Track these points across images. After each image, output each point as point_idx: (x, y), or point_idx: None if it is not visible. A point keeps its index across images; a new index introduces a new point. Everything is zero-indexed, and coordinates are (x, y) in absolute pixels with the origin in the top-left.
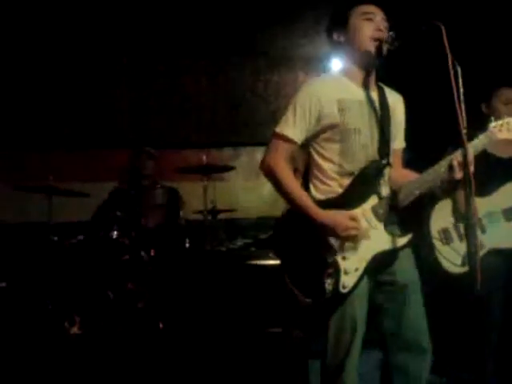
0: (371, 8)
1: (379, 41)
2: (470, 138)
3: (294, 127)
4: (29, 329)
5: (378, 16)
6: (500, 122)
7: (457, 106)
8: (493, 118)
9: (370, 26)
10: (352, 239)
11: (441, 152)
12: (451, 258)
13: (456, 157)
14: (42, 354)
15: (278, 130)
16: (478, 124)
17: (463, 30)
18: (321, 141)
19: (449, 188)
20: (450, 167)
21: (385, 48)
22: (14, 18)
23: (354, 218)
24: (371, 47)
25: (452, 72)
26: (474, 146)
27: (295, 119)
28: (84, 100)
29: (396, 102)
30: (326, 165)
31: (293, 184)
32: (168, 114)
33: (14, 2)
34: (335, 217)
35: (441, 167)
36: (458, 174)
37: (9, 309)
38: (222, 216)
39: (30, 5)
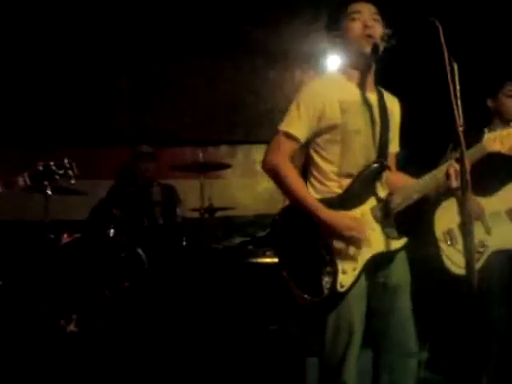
0: (357, 6)
1: (370, 37)
2: (472, 136)
3: (298, 125)
4: (25, 327)
5: (366, 12)
6: (494, 134)
7: (453, 103)
8: (486, 130)
9: (358, 25)
10: (354, 241)
11: (437, 151)
12: (455, 259)
13: (452, 165)
14: (39, 352)
15: (281, 127)
16: (486, 120)
17: (470, 26)
18: (321, 141)
19: (444, 193)
20: (447, 175)
21: (381, 46)
22: (14, 15)
23: (357, 221)
24: (365, 46)
25: (448, 69)
26: (468, 156)
27: (299, 117)
28: (82, 98)
29: (393, 105)
30: (325, 166)
31: (297, 182)
32: (165, 112)
33: (14, 2)
34: (340, 217)
35: (439, 172)
36: (454, 183)
37: (5, 307)
38: (218, 214)
39: (31, 5)
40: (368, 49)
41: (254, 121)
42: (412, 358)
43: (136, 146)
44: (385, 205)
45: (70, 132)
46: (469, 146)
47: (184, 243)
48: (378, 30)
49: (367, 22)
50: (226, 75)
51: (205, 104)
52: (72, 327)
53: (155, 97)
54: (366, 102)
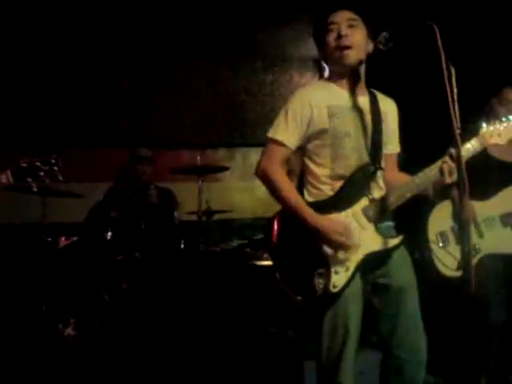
0: (333, 17)
1: (346, 48)
2: (469, 131)
3: (285, 132)
4: (23, 330)
5: (341, 21)
6: (491, 127)
7: (450, 106)
8: (484, 124)
9: (332, 37)
10: (343, 245)
11: (435, 153)
12: (447, 261)
13: (446, 161)
14: (37, 356)
15: (269, 134)
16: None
17: (471, 32)
18: (312, 147)
19: (441, 191)
20: (441, 172)
21: (364, 57)
22: (14, 16)
23: (346, 226)
24: (340, 58)
25: (446, 73)
26: (465, 151)
27: (287, 124)
28: (82, 99)
29: (388, 108)
30: (318, 170)
31: (288, 187)
32: (163, 114)
33: (14, 3)
34: (328, 222)
35: (432, 170)
36: (448, 179)
37: (3, 310)
38: (216, 217)
39: (31, 5)
40: (344, 60)
41: (252, 123)
42: (421, 359)
43: (135, 148)
44: (378, 204)
45: (70, 133)
46: (466, 140)
47: (182, 246)
48: (355, 36)
49: (341, 32)
50: (224, 78)
51: (204, 105)
52: (70, 331)
53: (155, 98)
54: (356, 107)
